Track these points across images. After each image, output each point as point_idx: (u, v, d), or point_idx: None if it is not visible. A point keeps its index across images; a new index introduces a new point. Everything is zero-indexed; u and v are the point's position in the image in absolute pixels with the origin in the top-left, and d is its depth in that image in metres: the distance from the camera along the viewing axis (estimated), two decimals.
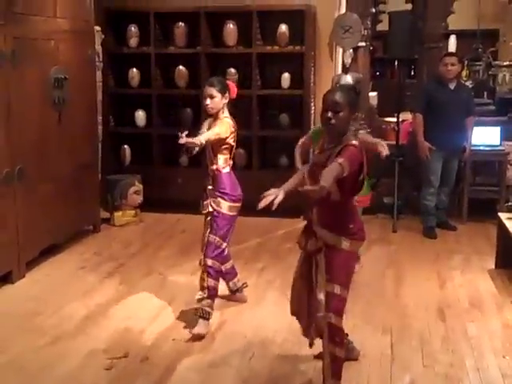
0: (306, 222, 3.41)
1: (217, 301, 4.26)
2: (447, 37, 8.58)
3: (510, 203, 6.00)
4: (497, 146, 6.53)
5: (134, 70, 7.03)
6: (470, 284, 4.99)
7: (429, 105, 6.12)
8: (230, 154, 4.15)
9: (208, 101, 4.03)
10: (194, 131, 4.15)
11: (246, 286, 4.60)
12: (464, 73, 8.71)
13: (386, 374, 3.58)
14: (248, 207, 6.72)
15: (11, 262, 4.92)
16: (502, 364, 3.69)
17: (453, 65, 6.10)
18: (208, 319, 4.07)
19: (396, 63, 9.91)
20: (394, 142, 6.64)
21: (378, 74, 10.34)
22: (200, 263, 4.16)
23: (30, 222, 5.09)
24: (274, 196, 3.15)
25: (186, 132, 3.87)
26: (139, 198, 6.70)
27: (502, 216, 5.26)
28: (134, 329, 4.14)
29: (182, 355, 3.79)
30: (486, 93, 8.16)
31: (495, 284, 4.96)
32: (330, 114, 3.06)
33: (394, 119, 6.80)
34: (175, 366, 3.67)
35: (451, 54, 6.47)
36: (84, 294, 4.75)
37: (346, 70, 6.71)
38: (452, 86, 6.18)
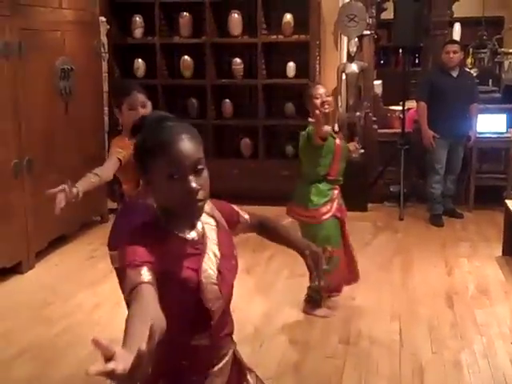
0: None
1: None
2: (452, 24, 8.56)
3: None
4: (503, 133, 6.51)
5: (140, 60, 7.03)
6: (477, 271, 5.00)
7: (432, 93, 6.11)
8: None
9: (143, 110, 3.04)
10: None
11: None
12: (469, 60, 8.67)
13: (395, 360, 3.61)
14: (255, 196, 6.78)
15: (21, 252, 4.95)
16: (510, 350, 3.71)
17: (455, 52, 6.08)
18: None
19: (401, 51, 9.90)
20: (399, 131, 6.66)
21: (382, 62, 10.32)
22: None
23: (39, 213, 5.10)
24: None
25: None
26: None
27: (510, 203, 5.26)
28: None
29: None
30: (491, 80, 8.12)
31: (503, 271, 4.97)
32: (193, 181, 1.60)
33: (399, 107, 6.80)
34: None
35: (453, 42, 6.45)
36: (94, 283, 4.78)
37: (351, 59, 6.71)
38: (455, 73, 6.17)
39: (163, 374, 1.72)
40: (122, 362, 1.18)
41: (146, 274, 1.51)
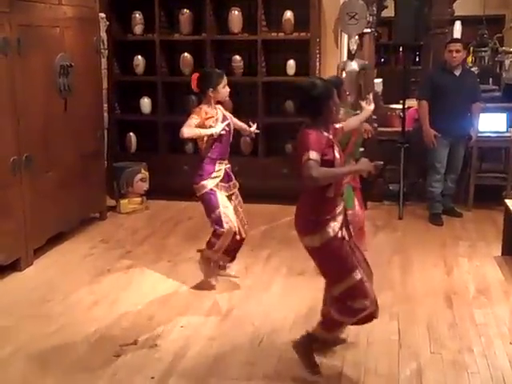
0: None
1: (222, 288, 4.41)
2: (453, 23, 8.55)
3: None
4: (503, 132, 6.50)
5: (139, 57, 7.01)
6: (476, 271, 4.99)
7: (434, 92, 6.08)
8: None
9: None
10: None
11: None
12: (469, 59, 8.66)
13: (393, 360, 3.60)
14: (254, 194, 6.78)
15: (19, 249, 4.94)
16: (509, 350, 3.69)
17: (457, 51, 6.05)
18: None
19: (401, 49, 9.90)
20: (399, 129, 6.64)
21: (382, 60, 10.31)
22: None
23: (37, 210, 5.10)
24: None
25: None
26: (145, 186, 6.71)
27: (509, 203, 5.25)
28: (142, 316, 4.16)
29: (191, 342, 3.81)
30: (491, 79, 8.12)
31: (502, 271, 4.96)
32: None
33: (400, 106, 6.78)
34: (184, 352, 3.69)
35: (456, 41, 6.42)
36: (92, 280, 4.77)
37: (351, 57, 6.69)
38: (457, 72, 6.14)
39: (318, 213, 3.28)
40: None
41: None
